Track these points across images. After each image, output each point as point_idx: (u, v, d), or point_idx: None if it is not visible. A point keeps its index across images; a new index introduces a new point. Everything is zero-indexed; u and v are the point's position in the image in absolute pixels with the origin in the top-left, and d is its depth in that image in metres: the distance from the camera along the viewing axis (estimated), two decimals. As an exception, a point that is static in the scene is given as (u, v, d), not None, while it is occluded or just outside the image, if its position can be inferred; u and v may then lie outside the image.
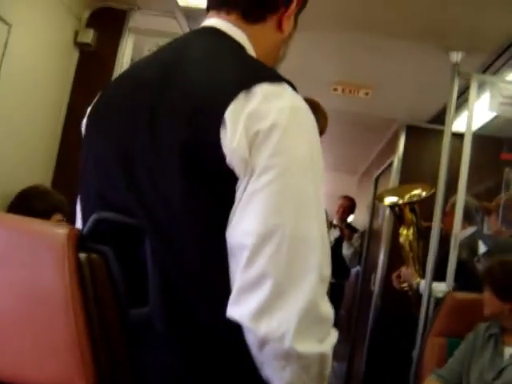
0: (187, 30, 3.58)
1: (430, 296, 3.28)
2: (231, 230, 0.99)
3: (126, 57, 3.48)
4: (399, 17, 3.19)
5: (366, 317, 5.25)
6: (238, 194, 0.99)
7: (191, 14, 3.36)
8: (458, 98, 3.63)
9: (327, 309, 0.98)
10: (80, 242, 1.05)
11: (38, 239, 1.07)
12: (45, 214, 2.47)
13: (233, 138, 0.97)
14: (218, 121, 0.98)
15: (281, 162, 0.97)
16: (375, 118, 5.09)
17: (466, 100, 3.64)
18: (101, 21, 3.44)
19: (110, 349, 1.04)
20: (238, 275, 0.96)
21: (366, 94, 4.26)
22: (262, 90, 1.01)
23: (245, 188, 0.98)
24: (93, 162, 1.21)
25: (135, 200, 1.08)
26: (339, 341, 1.02)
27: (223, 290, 0.99)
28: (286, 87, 1.06)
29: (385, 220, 5.13)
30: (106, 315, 1.05)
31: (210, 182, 1.00)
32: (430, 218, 3.48)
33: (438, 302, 3.19)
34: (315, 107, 2.66)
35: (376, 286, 5.04)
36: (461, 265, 3.30)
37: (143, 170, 1.07)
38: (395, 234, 4.89)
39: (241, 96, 1.00)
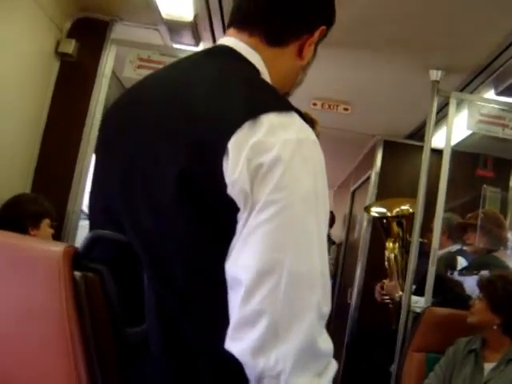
0: (169, 42, 3.59)
1: (408, 310, 3.29)
2: (230, 263, 0.96)
3: (107, 68, 3.48)
4: (380, 34, 3.23)
5: (342, 330, 5.26)
6: (238, 227, 0.96)
7: (174, 26, 3.36)
8: (436, 114, 3.68)
9: (326, 344, 0.96)
10: (76, 260, 1.03)
11: (33, 257, 1.06)
12: (37, 217, 2.55)
13: (234, 169, 0.95)
14: (220, 150, 0.96)
15: (283, 197, 0.94)
16: (353, 133, 5.13)
17: (444, 117, 3.71)
18: (83, 31, 3.44)
19: (104, 368, 1.03)
20: (236, 309, 0.94)
21: (346, 109, 4.30)
22: (268, 120, 0.98)
23: (245, 221, 0.95)
24: (99, 179, 1.21)
25: (130, 223, 1.07)
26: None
27: (218, 319, 0.97)
28: (294, 117, 1.03)
29: (362, 233, 5.17)
30: (101, 334, 1.04)
31: (209, 211, 0.98)
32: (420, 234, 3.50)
33: (417, 316, 3.21)
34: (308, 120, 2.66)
35: (353, 299, 5.06)
36: (440, 280, 3.32)
37: (142, 194, 1.06)
38: (372, 248, 4.95)
39: (246, 125, 0.97)
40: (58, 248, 1.03)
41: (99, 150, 1.26)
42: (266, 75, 1.18)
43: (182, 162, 0.99)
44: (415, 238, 3.38)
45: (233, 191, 0.95)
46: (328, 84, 3.95)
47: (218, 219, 0.99)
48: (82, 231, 3.41)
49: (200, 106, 1.04)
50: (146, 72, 3.41)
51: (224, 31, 3.39)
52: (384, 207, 4.17)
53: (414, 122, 4.57)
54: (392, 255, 3.97)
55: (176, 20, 3.25)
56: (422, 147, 3.51)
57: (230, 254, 0.97)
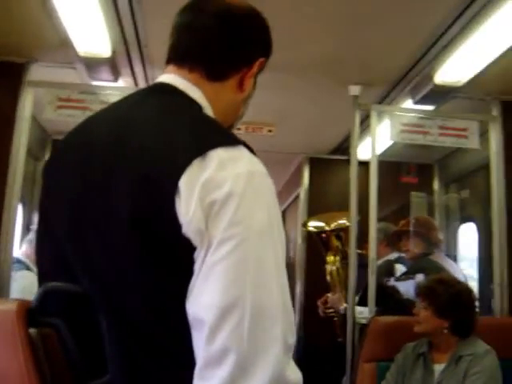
0: (87, 80, 3.53)
1: (354, 322, 3.33)
2: (191, 302, 0.95)
3: (26, 111, 3.38)
4: (298, 54, 3.28)
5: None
6: (196, 265, 0.95)
7: (91, 63, 3.31)
8: (359, 127, 3.78)
9: (294, 375, 0.95)
10: (30, 316, 1.00)
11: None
12: None
13: (188, 209, 0.94)
14: (172, 190, 0.95)
15: (238, 232, 0.94)
16: (279, 154, 5.18)
17: (366, 129, 3.81)
18: (-2, 75, 3.34)
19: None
20: (202, 349, 0.93)
21: (270, 131, 4.35)
22: (217, 155, 0.98)
23: (203, 260, 0.94)
24: (46, 227, 1.17)
25: (83, 266, 1.05)
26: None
27: (184, 360, 0.96)
28: (242, 150, 1.03)
29: (297, 251, 5.21)
30: (63, 390, 1.01)
31: (165, 250, 0.97)
32: (358, 246, 3.56)
33: (363, 327, 3.25)
34: None
35: (296, 318, 5.08)
36: (380, 289, 3.38)
37: (95, 236, 1.03)
38: (310, 264, 5.00)
39: (195, 163, 0.97)
40: (10, 306, 1.00)
41: (45, 197, 1.22)
42: (208, 110, 1.19)
43: (133, 202, 0.98)
44: (352, 250, 3.44)
45: (188, 231, 0.95)
46: (251, 108, 3.97)
47: (175, 259, 0.97)
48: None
49: (147, 147, 1.03)
50: (66, 112, 3.36)
51: (143, 65, 3.38)
52: (321, 221, 4.22)
53: (338, 137, 4.69)
54: (334, 268, 4.01)
55: (93, 57, 3.21)
56: (346, 161, 3.61)
57: (190, 294, 0.95)
